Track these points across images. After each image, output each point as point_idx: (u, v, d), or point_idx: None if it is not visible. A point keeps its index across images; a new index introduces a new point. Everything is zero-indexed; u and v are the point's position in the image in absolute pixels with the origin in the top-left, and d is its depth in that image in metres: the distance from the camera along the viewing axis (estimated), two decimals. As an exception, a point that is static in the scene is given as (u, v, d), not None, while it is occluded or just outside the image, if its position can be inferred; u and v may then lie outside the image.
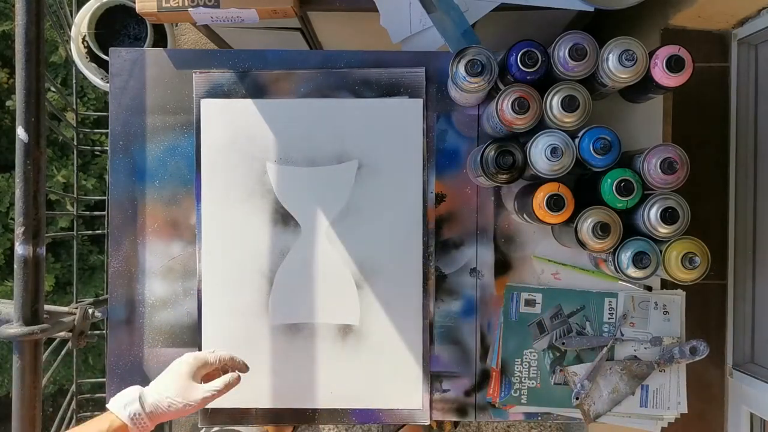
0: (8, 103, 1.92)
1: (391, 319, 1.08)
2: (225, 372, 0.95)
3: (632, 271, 0.91)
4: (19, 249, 0.84)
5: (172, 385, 0.89)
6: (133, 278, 1.09)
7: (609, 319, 1.08)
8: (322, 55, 1.13)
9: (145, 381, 1.08)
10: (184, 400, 0.88)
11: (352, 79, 1.09)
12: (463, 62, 0.93)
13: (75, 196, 1.44)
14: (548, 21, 1.22)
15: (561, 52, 0.91)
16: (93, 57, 1.66)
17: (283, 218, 1.08)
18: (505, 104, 0.92)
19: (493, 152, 0.93)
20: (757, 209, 1.20)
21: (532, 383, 1.08)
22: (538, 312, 1.08)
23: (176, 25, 2.00)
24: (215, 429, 1.09)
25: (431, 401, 1.09)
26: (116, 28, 1.66)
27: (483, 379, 1.09)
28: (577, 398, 1.06)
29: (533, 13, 1.13)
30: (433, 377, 1.09)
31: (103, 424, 0.83)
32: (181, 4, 1.04)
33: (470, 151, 1.08)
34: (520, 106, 0.90)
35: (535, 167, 0.91)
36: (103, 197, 1.27)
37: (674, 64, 0.89)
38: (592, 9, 1.04)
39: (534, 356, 1.08)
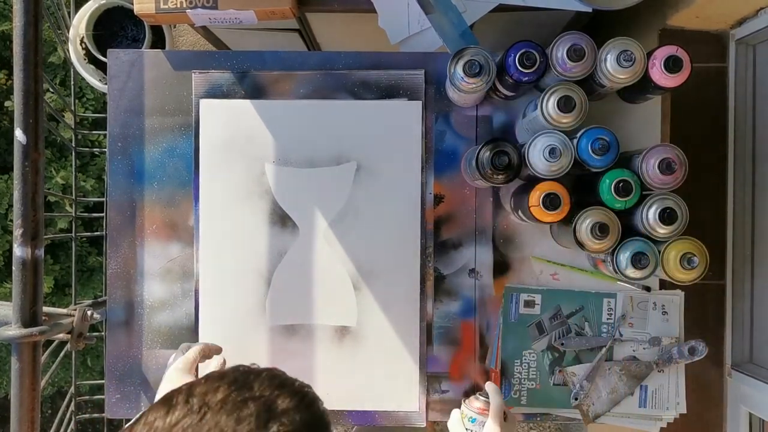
0: (7, 104, 1.92)
1: (389, 320, 1.08)
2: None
3: (631, 272, 0.92)
4: (18, 251, 0.84)
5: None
6: (132, 280, 1.09)
7: (608, 319, 1.08)
8: (321, 56, 1.13)
9: (143, 383, 1.08)
10: None
11: (351, 81, 1.09)
12: (461, 63, 0.93)
13: (74, 197, 1.44)
14: (546, 22, 1.22)
15: (559, 52, 0.91)
16: (91, 58, 1.66)
17: (281, 219, 1.08)
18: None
19: (488, 153, 0.93)
20: (756, 209, 1.20)
21: (532, 384, 1.08)
22: (537, 313, 1.08)
23: (174, 27, 1.99)
24: None
25: (427, 403, 1.09)
26: (114, 29, 1.65)
27: (482, 380, 1.09)
28: (576, 399, 1.06)
29: (531, 14, 1.13)
30: (432, 378, 1.09)
31: None
32: (179, 6, 1.04)
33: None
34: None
35: (533, 168, 0.92)
36: (102, 199, 1.27)
37: (672, 65, 0.90)
38: (590, 10, 1.04)
39: (533, 357, 1.08)
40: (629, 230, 0.93)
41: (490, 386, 0.98)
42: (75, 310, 1.00)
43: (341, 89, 1.09)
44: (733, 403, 1.24)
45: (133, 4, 1.05)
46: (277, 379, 0.59)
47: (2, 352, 2.02)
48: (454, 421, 0.99)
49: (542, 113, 0.92)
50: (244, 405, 0.54)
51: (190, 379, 0.94)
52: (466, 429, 0.97)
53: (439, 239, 1.09)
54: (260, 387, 0.57)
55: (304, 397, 0.58)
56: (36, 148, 0.84)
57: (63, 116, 1.72)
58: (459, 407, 1.01)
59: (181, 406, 0.54)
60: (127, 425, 0.56)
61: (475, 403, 0.98)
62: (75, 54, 1.63)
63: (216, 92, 1.09)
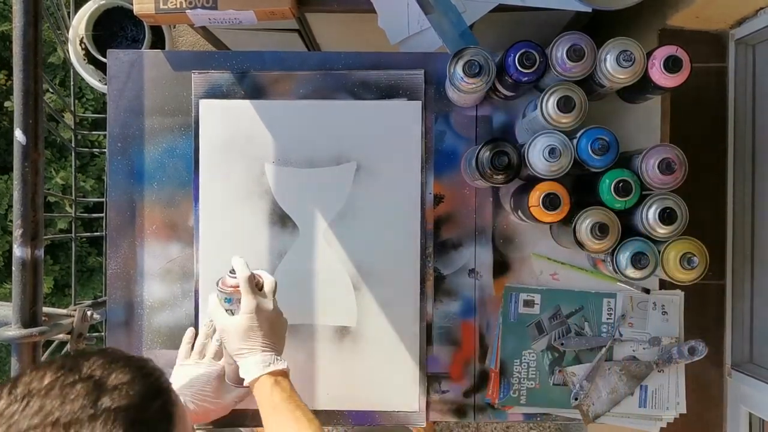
0: (6, 104, 1.92)
1: (389, 320, 1.08)
2: None
3: (631, 272, 0.91)
4: (18, 251, 0.84)
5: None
6: (132, 280, 1.09)
7: (608, 319, 1.08)
8: (321, 56, 1.13)
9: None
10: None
11: (351, 81, 1.09)
12: (460, 63, 0.93)
13: (73, 198, 1.44)
14: (546, 22, 1.22)
15: (559, 52, 0.91)
16: (91, 59, 1.66)
17: (281, 219, 1.08)
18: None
19: (488, 153, 0.93)
20: (755, 209, 1.20)
21: (531, 384, 1.08)
22: (537, 313, 1.08)
23: (174, 27, 2.00)
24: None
25: (428, 403, 1.09)
26: (114, 29, 1.65)
27: (482, 380, 1.09)
28: (576, 399, 1.06)
29: (531, 14, 1.13)
30: (432, 378, 1.09)
31: None
32: (178, 6, 1.04)
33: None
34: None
35: (533, 168, 0.92)
36: (102, 199, 1.27)
37: (672, 65, 0.89)
38: (589, 10, 1.04)
39: (533, 357, 1.08)
40: (629, 230, 0.93)
41: (235, 261, 0.92)
42: (75, 310, 1.00)
43: (341, 89, 1.09)
44: (733, 403, 1.24)
45: (132, 4, 1.05)
46: (109, 357, 0.57)
47: (2, 353, 2.02)
48: (213, 307, 0.93)
49: (542, 113, 0.92)
50: (72, 387, 0.53)
51: (190, 368, 1.00)
52: (226, 311, 0.92)
53: (438, 239, 1.09)
54: (90, 368, 0.55)
55: (141, 370, 0.57)
56: (36, 149, 0.84)
57: (63, 116, 1.72)
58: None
59: (5, 398, 0.53)
60: None
61: (228, 281, 0.93)
62: (75, 54, 1.63)
63: (216, 92, 1.09)
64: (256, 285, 0.92)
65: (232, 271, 0.93)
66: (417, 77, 1.08)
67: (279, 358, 0.90)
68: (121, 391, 0.54)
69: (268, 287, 0.94)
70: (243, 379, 0.91)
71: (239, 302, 0.91)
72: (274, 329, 0.92)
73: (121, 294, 1.09)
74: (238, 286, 0.91)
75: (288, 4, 1.04)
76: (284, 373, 0.89)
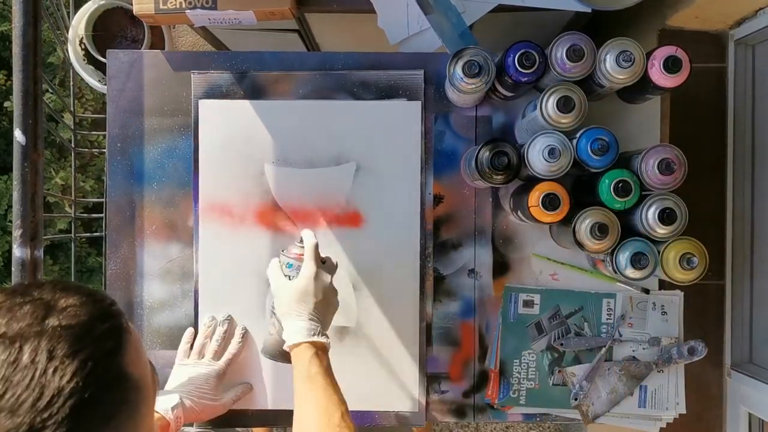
0: (6, 104, 1.92)
1: (388, 321, 1.08)
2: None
3: (630, 272, 0.92)
4: (17, 251, 0.84)
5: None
6: (131, 280, 1.09)
7: (607, 319, 1.08)
8: (320, 56, 1.13)
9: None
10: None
11: (350, 81, 1.09)
12: (460, 63, 0.93)
13: (73, 198, 1.44)
14: (546, 22, 1.22)
15: (558, 53, 0.91)
16: (90, 59, 1.66)
17: (281, 219, 1.08)
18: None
19: (487, 153, 0.93)
20: (755, 209, 1.20)
21: (531, 384, 1.08)
22: (537, 313, 1.08)
23: (174, 27, 2.00)
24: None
25: (427, 403, 1.09)
26: (114, 30, 1.66)
27: (481, 381, 1.09)
28: (575, 399, 1.06)
29: (531, 14, 1.13)
30: (432, 378, 1.09)
31: None
32: (178, 6, 1.04)
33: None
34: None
35: (533, 168, 0.92)
36: (102, 199, 1.27)
37: (671, 65, 0.90)
38: (589, 10, 1.04)
39: (532, 357, 1.08)
40: (629, 230, 0.93)
41: (305, 232, 0.94)
42: (74, 310, 1.00)
43: (340, 89, 1.09)
44: (732, 403, 1.24)
45: (132, 4, 1.05)
46: (60, 284, 0.57)
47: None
48: (273, 269, 0.94)
49: (541, 113, 0.92)
50: (20, 307, 0.53)
51: (189, 367, 1.01)
52: (285, 275, 0.92)
53: (438, 239, 1.09)
54: (41, 292, 0.55)
55: (91, 296, 0.57)
56: (35, 149, 0.84)
57: (62, 117, 1.72)
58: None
59: None
60: None
61: (292, 249, 0.94)
62: (74, 55, 1.63)
63: (215, 93, 1.09)
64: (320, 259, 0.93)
65: (300, 242, 0.93)
66: (417, 77, 1.08)
67: (324, 332, 0.89)
68: (69, 312, 0.54)
69: (330, 264, 0.95)
70: (278, 352, 0.90)
71: (299, 270, 0.91)
72: (327, 303, 0.91)
73: (121, 294, 1.09)
74: (302, 255, 0.92)
75: (288, 4, 1.04)
76: (325, 349, 0.87)
